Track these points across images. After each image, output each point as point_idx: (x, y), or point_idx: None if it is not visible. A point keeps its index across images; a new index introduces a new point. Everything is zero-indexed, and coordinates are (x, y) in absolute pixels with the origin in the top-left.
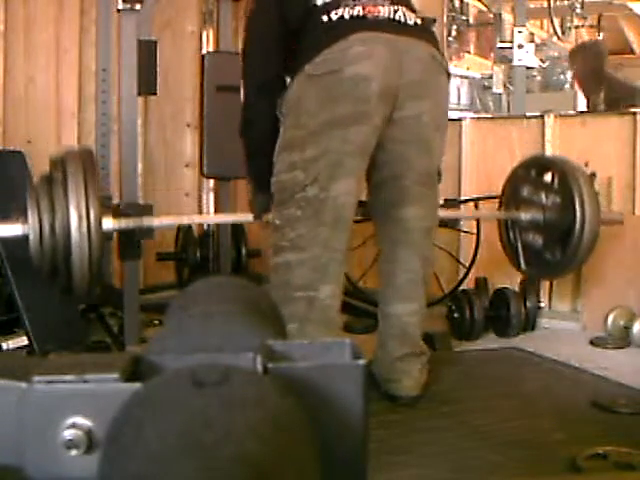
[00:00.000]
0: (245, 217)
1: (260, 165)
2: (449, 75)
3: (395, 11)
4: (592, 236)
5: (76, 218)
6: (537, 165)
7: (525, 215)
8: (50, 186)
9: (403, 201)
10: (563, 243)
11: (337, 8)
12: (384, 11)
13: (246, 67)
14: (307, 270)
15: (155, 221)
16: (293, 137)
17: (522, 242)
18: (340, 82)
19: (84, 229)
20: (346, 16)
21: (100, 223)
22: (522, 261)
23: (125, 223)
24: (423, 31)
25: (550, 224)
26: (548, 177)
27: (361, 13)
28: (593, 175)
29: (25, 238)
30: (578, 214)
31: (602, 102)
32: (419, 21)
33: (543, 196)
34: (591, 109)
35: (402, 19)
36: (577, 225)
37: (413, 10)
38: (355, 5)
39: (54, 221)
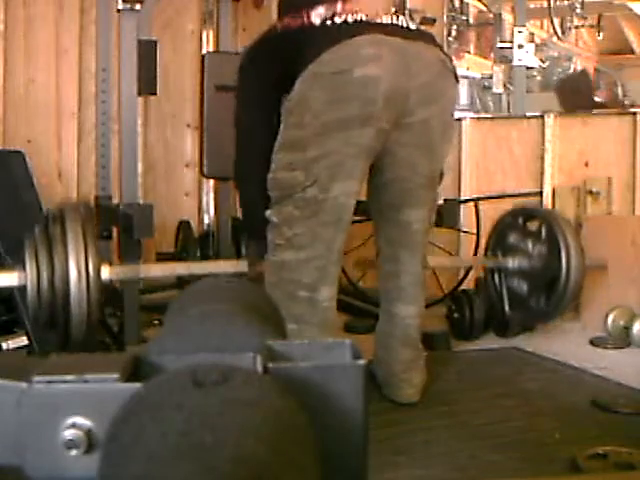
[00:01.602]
0: (242, 265)
1: (253, 213)
2: (457, 78)
3: (397, 17)
4: (577, 286)
5: (75, 270)
6: (524, 214)
7: (511, 262)
8: (48, 237)
9: (406, 204)
10: (548, 291)
11: (340, 16)
12: (386, 18)
13: (239, 141)
14: (307, 270)
15: (152, 270)
16: (295, 136)
17: (507, 288)
18: (349, 83)
19: (83, 281)
20: (349, 20)
21: (99, 274)
22: (506, 306)
23: (123, 273)
24: (427, 36)
25: (535, 272)
26: (534, 225)
27: (364, 18)
28: (579, 226)
29: (23, 288)
30: (564, 265)
31: None
32: (422, 27)
33: (529, 245)
34: None
35: (404, 24)
36: (562, 276)
37: (412, 19)
38: (357, 12)
39: (52, 273)
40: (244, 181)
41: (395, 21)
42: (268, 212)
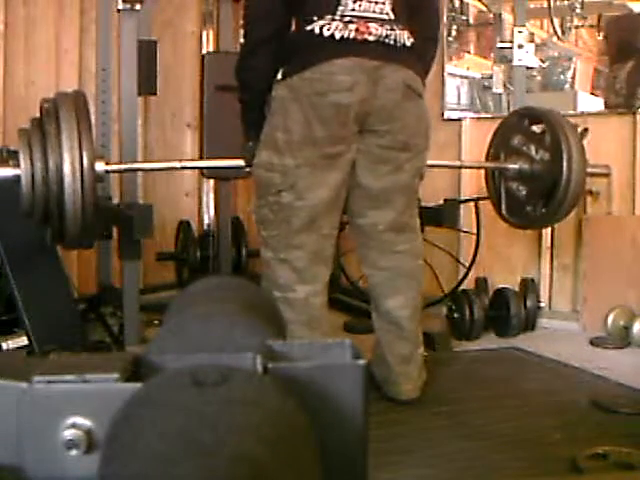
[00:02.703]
0: (236, 163)
1: (252, 112)
2: (421, 96)
3: (387, 35)
4: (576, 192)
5: (69, 161)
6: (527, 116)
7: (511, 165)
8: (42, 128)
9: (369, 207)
10: (547, 197)
11: (331, 20)
12: (375, 32)
13: (248, 18)
14: (284, 270)
15: (146, 165)
16: (276, 139)
17: (506, 190)
18: (324, 105)
19: (77, 170)
20: (337, 36)
21: (93, 165)
22: (504, 207)
23: (117, 166)
24: (408, 54)
25: (535, 176)
26: (537, 128)
27: (352, 35)
28: (585, 130)
29: (17, 181)
30: (565, 170)
31: (625, 74)
32: (409, 42)
33: (531, 147)
34: (608, 82)
35: (392, 42)
36: (563, 181)
37: (408, 27)
38: (349, 22)
39: (46, 162)
40: (248, 79)
41: (382, 38)
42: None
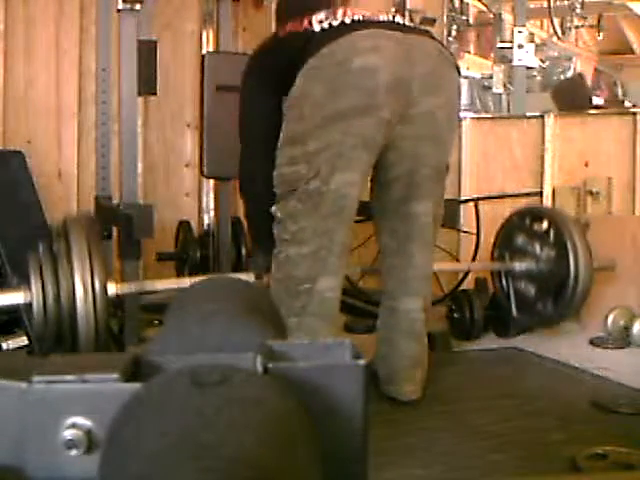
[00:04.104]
0: (246, 276)
1: (260, 225)
2: (459, 70)
3: (394, 16)
4: (585, 289)
5: (81, 286)
6: (531, 215)
7: (518, 265)
8: (53, 253)
9: (413, 196)
10: (555, 295)
11: (338, 19)
12: (384, 17)
13: (244, 123)
14: (308, 263)
15: (158, 284)
16: (296, 130)
17: (514, 290)
18: (347, 73)
19: (89, 297)
20: (347, 20)
21: (106, 290)
22: (514, 308)
23: (128, 288)
24: (426, 32)
25: (542, 276)
26: (541, 227)
27: (361, 18)
28: (587, 225)
29: (28, 306)
30: (572, 269)
31: None
32: (421, 27)
33: (536, 247)
34: None
35: (401, 22)
36: (571, 279)
37: (412, 20)
38: (355, 14)
39: (58, 289)
40: (250, 190)
41: (391, 18)
42: (273, 208)
